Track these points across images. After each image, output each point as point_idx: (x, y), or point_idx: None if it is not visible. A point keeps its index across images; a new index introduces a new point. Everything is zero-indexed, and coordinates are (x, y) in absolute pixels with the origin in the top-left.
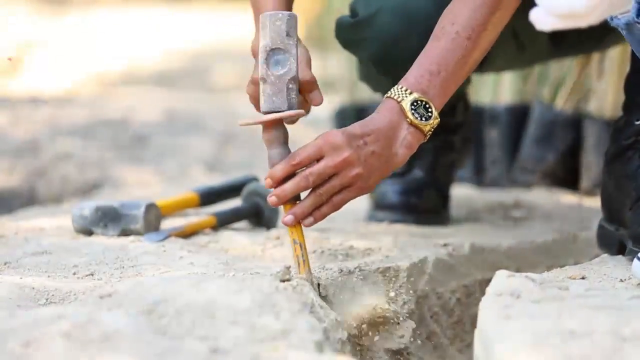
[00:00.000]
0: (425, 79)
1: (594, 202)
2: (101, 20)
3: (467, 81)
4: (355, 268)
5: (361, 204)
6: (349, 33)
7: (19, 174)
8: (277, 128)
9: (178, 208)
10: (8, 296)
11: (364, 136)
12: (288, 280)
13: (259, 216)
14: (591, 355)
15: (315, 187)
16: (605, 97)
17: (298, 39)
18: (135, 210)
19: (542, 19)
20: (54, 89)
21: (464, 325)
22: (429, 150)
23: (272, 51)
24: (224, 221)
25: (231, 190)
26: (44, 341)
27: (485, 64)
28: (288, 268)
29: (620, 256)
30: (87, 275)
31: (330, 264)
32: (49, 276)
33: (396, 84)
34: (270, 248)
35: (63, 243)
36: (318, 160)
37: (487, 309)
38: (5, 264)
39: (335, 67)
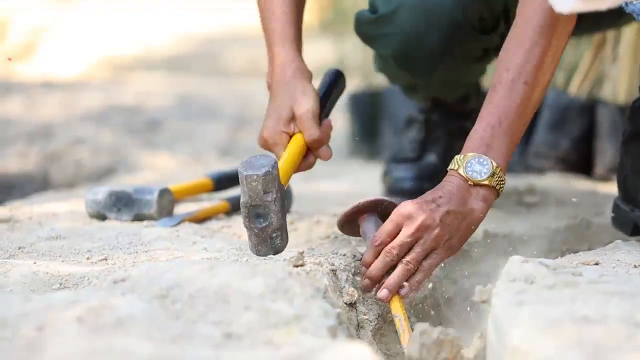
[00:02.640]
0: (488, 134)
1: (608, 188)
2: (114, 5)
3: (481, 72)
4: None
5: (374, 189)
6: (370, 28)
7: (32, 159)
8: (369, 216)
9: (191, 193)
10: (22, 281)
11: (435, 199)
12: (301, 265)
13: None
14: (604, 341)
15: (402, 258)
16: (619, 82)
17: (307, 80)
18: (148, 195)
19: (562, 1)
20: (68, 74)
21: (478, 310)
22: (443, 136)
23: (253, 207)
24: (237, 206)
25: None
26: (57, 325)
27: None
28: (301, 253)
29: (634, 242)
30: (100, 260)
31: (344, 249)
32: (62, 261)
33: (415, 78)
34: None
35: (77, 228)
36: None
37: (501, 295)
38: (19, 248)
39: (350, 53)
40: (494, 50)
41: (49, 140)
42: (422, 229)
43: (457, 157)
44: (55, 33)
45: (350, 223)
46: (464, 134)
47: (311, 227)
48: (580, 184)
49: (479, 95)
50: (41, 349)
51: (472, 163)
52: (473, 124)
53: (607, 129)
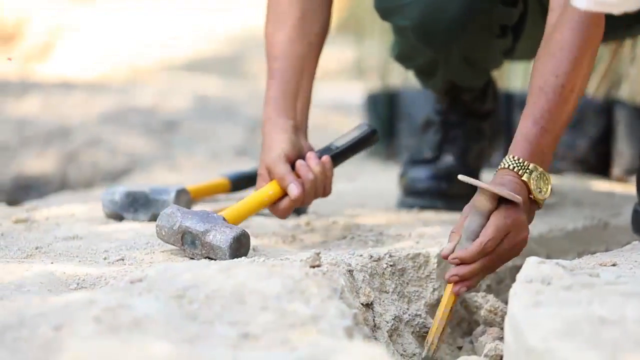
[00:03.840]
0: (545, 140)
1: (626, 189)
2: (133, 6)
3: (499, 59)
4: (385, 254)
5: (391, 190)
6: (389, 1)
7: (50, 160)
8: (488, 199)
9: (209, 193)
10: (39, 281)
11: (524, 207)
12: (318, 266)
13: None
14: (621, 342)
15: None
16: (637, 82)
17: (283, 128)
18: (165, 196)
19: None
20: (86, 75)
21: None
22: (460, 137)
23: (182, 242)
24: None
25: None
26: (74, 325)
27: (521, 50)
28: (318, 254)
29: None
30: (117, 260)
31: (360, 250)
32: (79, 261)
33: (436, 53)
34: (300, 234)
35: (94, 228)
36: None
37: (518, 296)
38: (36, 248)
39: (367, 54)
40: (511, 31)
41: (66, 141)
42: (522, 242)
43: (516, 159)
44: (73, 33)
45: (471, 189)
46: (480, 134)
47: (328, 228)
48: (598, 184)
49: (496, 96)
50: (58, 349)
51: (538, 178)
52: (489, 126)
53: (625, 129)
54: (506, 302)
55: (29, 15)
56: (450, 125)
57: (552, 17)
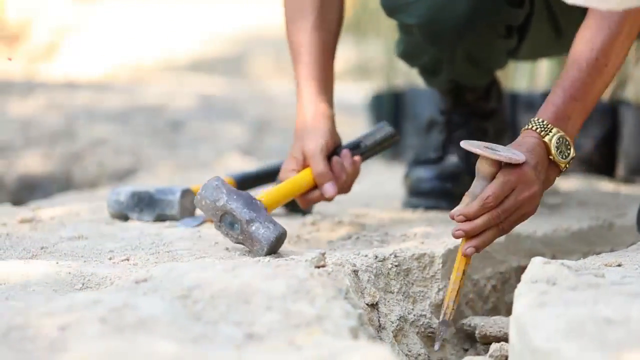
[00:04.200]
0: (570, 107)
1: (631, 189)
2: (138, 6)
3: (503, 60)
4: (390, 254)
5: (396, 190)
6: None
7: (55, 159)
8: (489, 163)
9: None
10: (44, 281)
11: (537, 166)
12: (323, 266)
13: (294, 202)
14: (627, 343)
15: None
16: None
17: (324, 121)
18: (170, 196)
19: None
20: (91, 75)
21: (499, 312)
22: (464, 137)
23: (219, 220)
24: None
25: (267, 176)
26: (80, 325)
27: (524, 50)
28: (323, 254)
29: None
30: (122, 260)
31: (365, 250)
32: (85, 261)
33: (441, 51)
34: (305, 234)
35: (99, 228)
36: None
37: (523, 296)
38: (41, 248)
39: (372, 53)
40: (516, 32)
41: (71, 141)
42: (531, 198)
43: (540, 121)
44: (78, 33)
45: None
46: (484, 134)
47: (333, 228)
48: (603, 185)
49: (500, 95)
50: (63, 349)
51: (560, 142)
52: (493, 125)
53: (630, 130)
54: (509, 309)
55: (33, 16)
56: (454, 125)
57: None
